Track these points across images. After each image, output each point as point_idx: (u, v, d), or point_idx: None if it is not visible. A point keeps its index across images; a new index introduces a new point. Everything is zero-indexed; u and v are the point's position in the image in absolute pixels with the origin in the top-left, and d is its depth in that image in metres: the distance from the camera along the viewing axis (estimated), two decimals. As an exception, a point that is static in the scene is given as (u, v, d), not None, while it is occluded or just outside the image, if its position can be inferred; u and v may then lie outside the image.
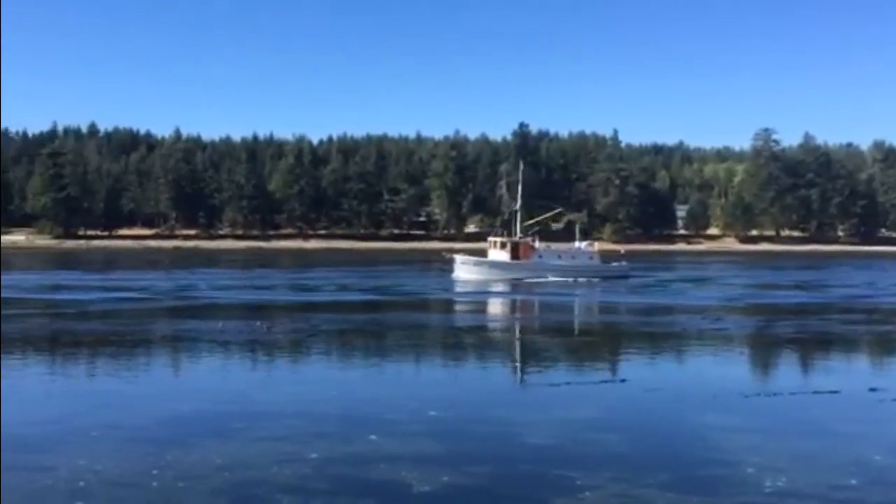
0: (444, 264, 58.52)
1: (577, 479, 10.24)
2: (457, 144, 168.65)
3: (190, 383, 17.51)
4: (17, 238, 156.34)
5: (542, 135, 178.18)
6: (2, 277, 44.27)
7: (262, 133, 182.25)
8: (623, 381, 17.55)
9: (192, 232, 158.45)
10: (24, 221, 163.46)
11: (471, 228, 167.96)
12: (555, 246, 63.79)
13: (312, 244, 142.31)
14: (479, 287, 48.67)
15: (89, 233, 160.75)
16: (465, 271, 55.87)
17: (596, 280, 53.96)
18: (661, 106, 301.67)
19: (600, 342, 25.77)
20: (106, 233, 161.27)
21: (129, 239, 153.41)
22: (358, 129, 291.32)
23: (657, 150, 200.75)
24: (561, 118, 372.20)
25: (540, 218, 74.73)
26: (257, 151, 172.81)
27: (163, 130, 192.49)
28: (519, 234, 60.45)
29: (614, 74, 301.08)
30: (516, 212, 63.85)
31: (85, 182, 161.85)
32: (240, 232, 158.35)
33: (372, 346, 23.72)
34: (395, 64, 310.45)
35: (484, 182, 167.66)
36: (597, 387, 16.85)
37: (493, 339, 26.71)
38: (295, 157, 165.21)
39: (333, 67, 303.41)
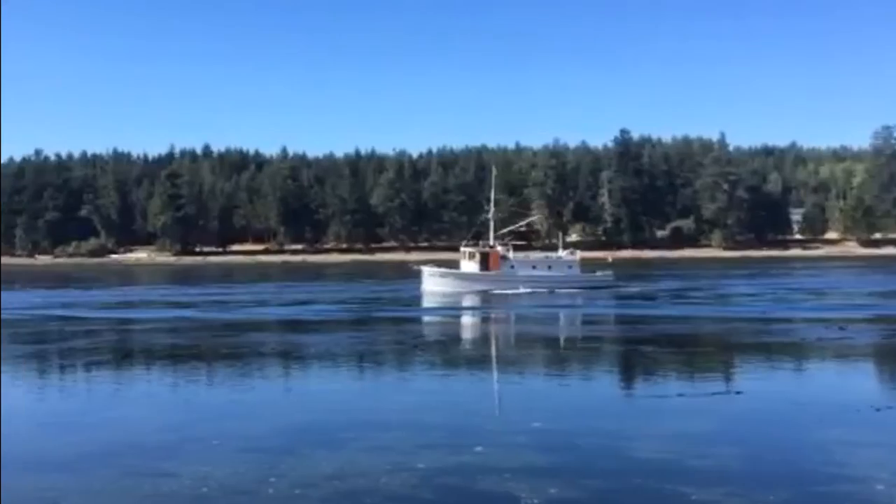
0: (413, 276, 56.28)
1: (691, 494, 9.91)
2: (557, 153, 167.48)
3: (301, 394, 18.03)
4: (140, 255, 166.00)
5: (645, 140, 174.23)
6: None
7: (364, 149, 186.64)
8: (739, 392, 16.86)
9: (299, 246, 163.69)
10: (146, 239, 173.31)
11: (572, 237, 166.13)
12: (533, 255, 60.58)
13: (414, 256, 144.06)
14: (444, 300, 46.42)
15: (205, 249, 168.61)
16: (432, 283, 53.52)
17: (575, 291, 50.35)
18: (771, 106, 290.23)
19: (713, 353, 24.86)
20: (220, 249, 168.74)
21: (241, 254, 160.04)
22: (457, 141, 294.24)
23: (768, 151, 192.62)
24: (664, 123, 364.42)
25: (515, 227, 70.66)
26: (359, 167, 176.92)
27: (270, 150, 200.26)
28: (489, 244, 57.03)
29: (719, 76, 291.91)
30: (489, 219, 60.20)
31: (200, 201, 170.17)
32: (344, 245, 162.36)
33: (474, 357, 23.78)
34: (493, 75, 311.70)
35: (585, 190, 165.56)
36: (710, 398, 16.25)
37: (585, 349, 26.23)
38: (396, 171, 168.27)
39: (431, 82, 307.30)
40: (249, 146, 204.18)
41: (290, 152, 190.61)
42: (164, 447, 12.51)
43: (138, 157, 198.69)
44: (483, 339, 29.22)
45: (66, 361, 23.67)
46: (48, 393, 18.79)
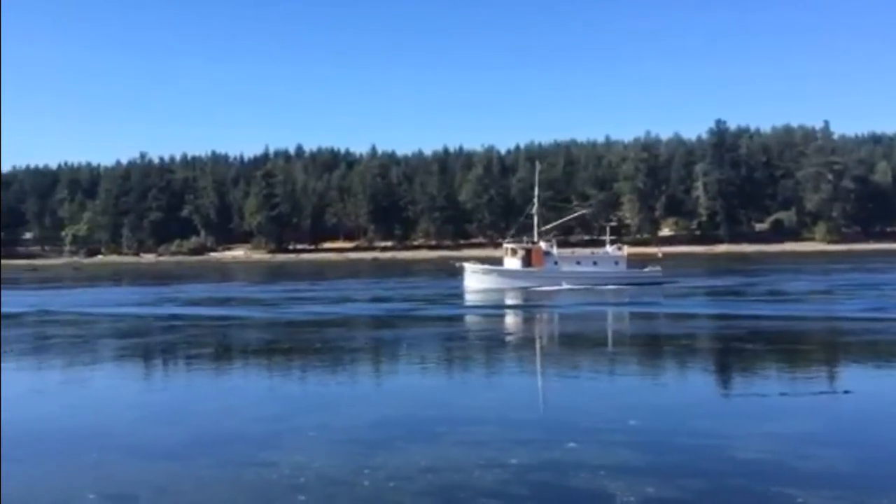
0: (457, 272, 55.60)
1: (796, 497, 9.48)
2: (648, 146, 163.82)
3: (391, 388, 18.25)
4: (236, 253, 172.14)
5: (742, 131, 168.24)
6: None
7: (452, 146, 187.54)
8: (847, 392, 16.05)
9: (389, 243, 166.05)
10: (243, 238, 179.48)
11: (665, 232, 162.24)
12: (578, 251, 59.08)
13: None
14: (487, 297, 45.60)
15: (298, 247, 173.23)
16: (474, 280, 53.19)
17: (620, 288, 48.74)
18: (878, 91, 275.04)
19: (814, 352, 23.76)
20: (312, 246, 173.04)
21: (333, 252, 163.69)
22: (545, 136, 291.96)
23: (876, 139, 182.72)
24: (762, 113, 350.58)
25: (559, 221, 68.83)
26: (448, 163, 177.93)
27: (360, 148, 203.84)
28: (533, 240, 56.31)
29: (823, 63, 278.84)
30: (532, 215, 58.89)
31: (293, 200, 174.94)
32: (433, 242, 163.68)
33: (564, 353, 23.52)
34: (582, 69, 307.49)
35: (678, 183, 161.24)
36: (815, 398, 15.53)
37: (674, 346, 25.47)
38: (484, 167, 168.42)
39: (519, 78, 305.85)
40: (340, 145, 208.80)
41: (380, 151, 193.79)
42: (263, 437, 12.89)
43: (235, 159, 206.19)
44: (563, 337, 28.81)
45: (169, 355, 24.75)
46: (154, 384, 19.68)
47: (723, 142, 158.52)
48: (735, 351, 23.21)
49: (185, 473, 10.90)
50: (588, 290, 47.51)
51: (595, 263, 54.21)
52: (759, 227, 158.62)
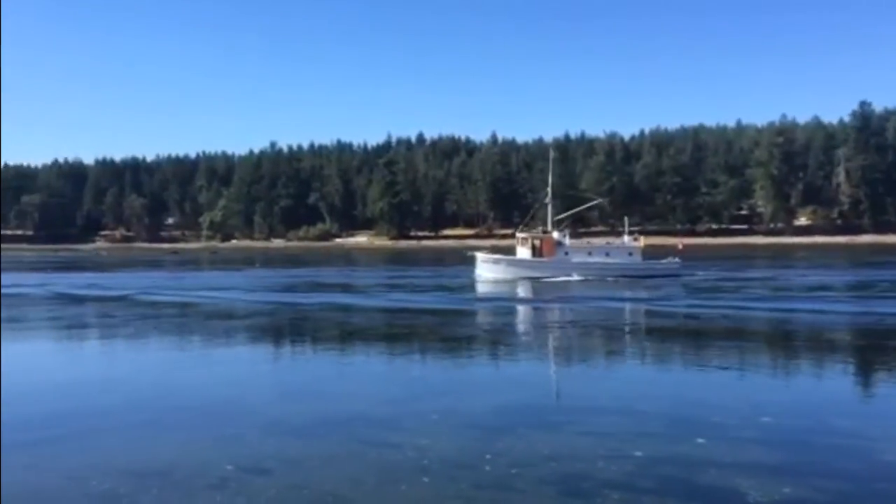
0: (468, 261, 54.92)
1: (952, 507, 8.77)
2: (784, 130, 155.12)
3: (511, 375, 18.24)
4: (359, 240, 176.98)
5: (889, 114, 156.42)
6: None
7: (574, 132, 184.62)
8: None
9: (509, 231, 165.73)
10: (366, 224, 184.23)
11: (801, 221, 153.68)
12: (593, 242, 56.72)
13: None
14: (496, 287, 44.57)
15: (419, 233, 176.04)
16: (485, 269, 52.89)
17: (632, 279, 47.19)
18: None
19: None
20: (433, 233, 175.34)
21: (452, 239, 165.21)
22: (671, 121, 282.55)
23: None
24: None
25: (574, 210, 65.25)
26: (569, 150, 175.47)
27: (481, 136, 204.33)
28: (544, 230, 55.05)
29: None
30: (546, 204, 57.14)
31: (415, 188, 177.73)
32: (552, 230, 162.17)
33: (689, 345, 22.75)
34: (711, 51, 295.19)
35: (817, 170, 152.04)
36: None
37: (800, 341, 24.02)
38: (606, 153, 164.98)
39: (643, 62, 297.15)
40: (461, 133, 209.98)
41: (500, 138, 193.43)
42: (387, 419, 13.20)
43: (359, 147, 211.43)
44: (682, 330, 27.83)
45: (298, 337, 25.79)
46: (284, 365, 20.57)
47: (867, 125, 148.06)
48: (872, 349, 21.70)
49: (314, 450, 11.33)
50: (598, 282, 46.90)
51: (608, 254, 53.17)
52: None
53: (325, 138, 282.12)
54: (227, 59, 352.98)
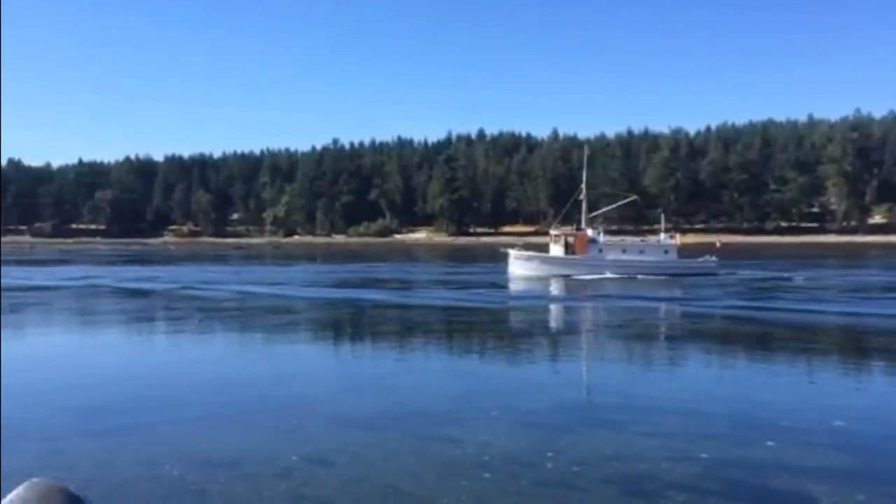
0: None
1: None
2: (858, 125, 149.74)
3: (570, 373, 18.08)
4: (419, 235, 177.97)
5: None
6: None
7: (637, 128, 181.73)
8: None
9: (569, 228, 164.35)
10: (426, 221, 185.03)
11: (877, 219, 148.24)
12: (628, 239, 56.04)
13: (689, 239, 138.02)
14: (529, 285, 43.76)
15: (478, 230, 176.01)
16: (518, 266, 52.81)
17: (667, 278, 46.56)
18: None
19: None
20: (492, 230, 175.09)
21: (512, 235, 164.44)
22: (739, 116, 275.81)
23: None
24: None
25: (606, 209, 63.52)
26: (631, 146, 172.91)
27: (542, 132, 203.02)
28: (579, 226, 54.68)
29: None
30: (580, 200, 56.04)
31: (474, 184, 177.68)
32: (614, 227, 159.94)
33: (753, 346, 22.14)
34: (783, 44, 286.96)
35: (893, 166, 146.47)
36: None
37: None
38: (670, 149, 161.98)
39: (710, 57, 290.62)
40: (521, 129, 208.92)
41: (561, 134, 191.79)
42: (448, 415, 13.21)
43: (419, 143, 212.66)
44: (742, 332, 27.08)
45: (355, 331, 26.06)
46: (345, 358, 20.81)
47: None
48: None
49: (376, 443, 11.41)
50: (630, 280, 46.19)
51: (642, 252, 52.32)
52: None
53: (386, 135, 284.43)
54: (292, 58, 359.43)
